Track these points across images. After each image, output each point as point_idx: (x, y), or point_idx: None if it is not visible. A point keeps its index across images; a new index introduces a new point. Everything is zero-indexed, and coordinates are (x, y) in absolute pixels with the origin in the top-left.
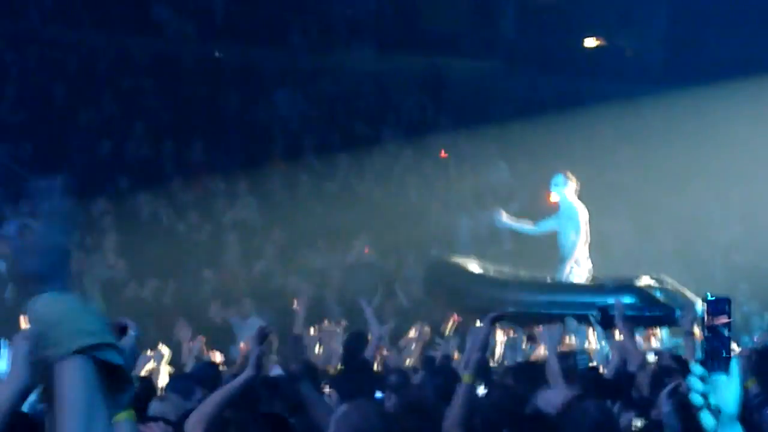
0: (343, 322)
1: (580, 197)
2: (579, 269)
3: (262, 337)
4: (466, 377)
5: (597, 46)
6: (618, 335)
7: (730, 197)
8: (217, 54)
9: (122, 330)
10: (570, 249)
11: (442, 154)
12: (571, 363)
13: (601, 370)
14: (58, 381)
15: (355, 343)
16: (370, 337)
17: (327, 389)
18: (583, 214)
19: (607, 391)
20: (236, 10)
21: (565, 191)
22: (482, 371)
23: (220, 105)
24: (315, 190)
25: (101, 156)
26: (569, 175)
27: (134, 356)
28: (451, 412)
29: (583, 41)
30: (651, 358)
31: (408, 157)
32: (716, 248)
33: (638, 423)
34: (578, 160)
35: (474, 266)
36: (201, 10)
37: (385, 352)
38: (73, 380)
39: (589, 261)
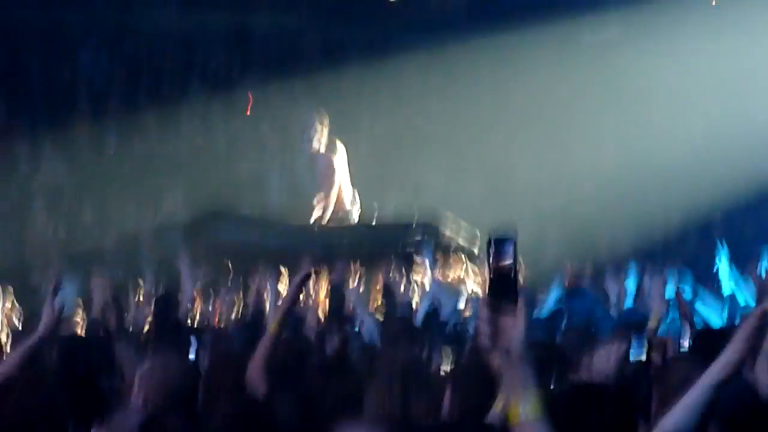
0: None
1: (390, 145)
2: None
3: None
4: (271, 326)
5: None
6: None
7: (536, 143)
8: (16, 15)
9: None
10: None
11: (248, 111)
12: None
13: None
14: None
15: (164, 304)
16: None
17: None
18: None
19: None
20: None
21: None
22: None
23: (22, 66)
24: (122, 150)
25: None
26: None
27: None
28: (254, 358)
29: None
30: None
31: (216, 114)
32: (525, 194)
33: None
34: (387, 110)
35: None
36: None
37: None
38: None
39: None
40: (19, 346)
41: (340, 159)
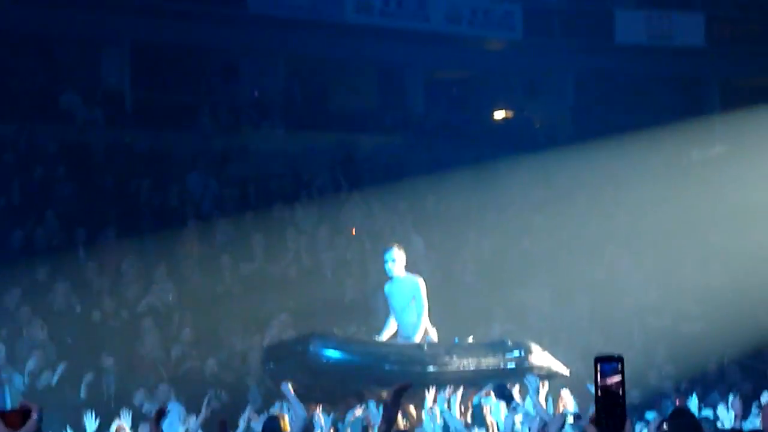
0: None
1: (496, 266)
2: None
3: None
4: None
5: (505, 118)
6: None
7: (644, 262)
8: (126, 140)
9: (25, 414)
10: (414, 326)
11: (353, 232)
12: None
13: None
14: None
15: (270, 428)
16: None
17: None
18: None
19: None
20: (145, 95)
21: (397, 266)
22: None
23: (132, 190)
24: (232, 272)
25: (13, 246)
26: (399, 247)
27: None
28: None
29: (491, 114)
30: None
31: (323, 235)
32: (633, 312)
33: None
34: (491, 230)
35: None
36: (109, 97)
37: None
38: None
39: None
40: None
41: (423, 285)
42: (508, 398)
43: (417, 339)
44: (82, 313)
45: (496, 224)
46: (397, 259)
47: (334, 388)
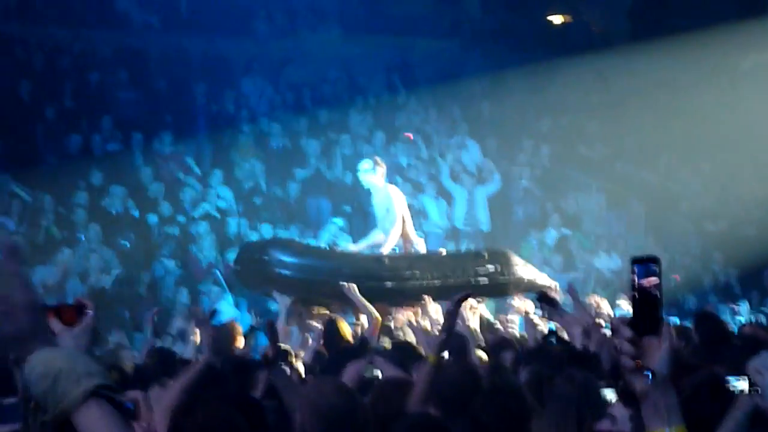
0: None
1: (552, 172)
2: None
3: (209, 318)
4: (430, 358)
5: (562, 22)
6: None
7: (700, 167)
8: (182, 44)
9: (80, 309)
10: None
11: (410, 137)
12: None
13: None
14: (84, 427)
15: (333, 330)
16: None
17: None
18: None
19: (582, 364)
20: (201, 0)
21: (375, 178)
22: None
23: (187, 96)
24: (286, 177)
25: (70, 151)
26: (377, 160)
27: (93, 335)
28: (416, 390)
29: (548, 17)
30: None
31: (378, 140)
32: (689, 218)
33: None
34: (547, 136)
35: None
36: (165, 1)
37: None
38: (101, 421)
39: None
40: (185, 371)
41: (401, 196)
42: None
43: (384, 251)
44: (139, 217)
45: (551, 129)
46: (368, 170)
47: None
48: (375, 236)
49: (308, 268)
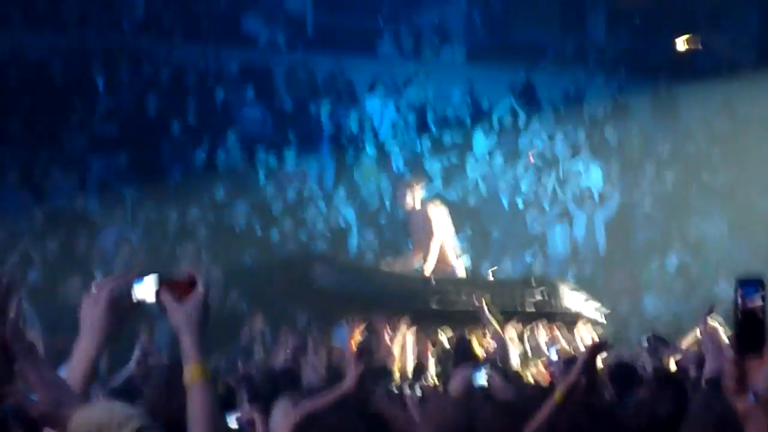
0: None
1: (674, 198)
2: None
3: (364, 352)
4: (558, 395)
5: (689, 49)
6: None
7: None
8: (307, 64)
9: (192, 283)
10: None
11: (530, 158)
12: None
13: None
14: None
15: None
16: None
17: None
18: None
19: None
20: (327, 20)
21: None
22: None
23: (312, 114)
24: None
25: (194, 165)
26: (414, 179)
27: (206, 312)
28: (534, 422)
29: (674, 43)
30: None
31: (499, 162)
32: None
33: None
34: (670, 161)
35: None
36: (291, 19)
37: None
38: None
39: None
40: (325, 394)
41: (439, 216)
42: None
43: (426, 271)
44: (261, 235)
45: (675, 155)
46: (407, 193)
47: (330, 313)
48: (412, 256)
49: (353, 285)
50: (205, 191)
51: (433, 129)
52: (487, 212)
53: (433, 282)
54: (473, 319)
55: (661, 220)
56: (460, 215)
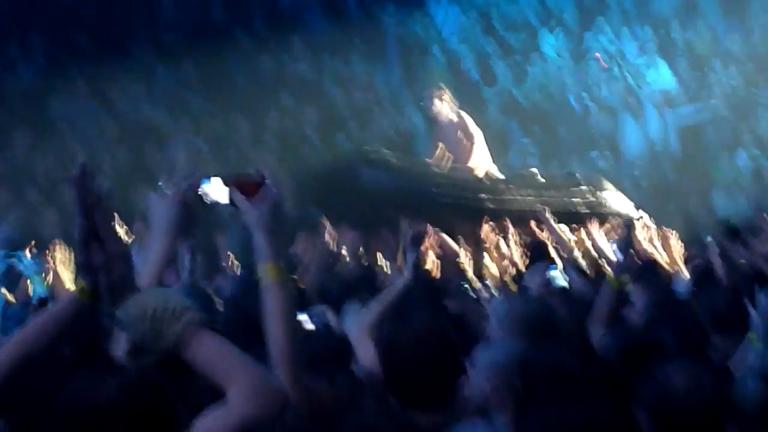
0: None
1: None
2: None
3: (417, 240)
4: (613, 281)
5: None
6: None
7: None
8: None
9: (261, 182)
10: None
11: (598, 58)
12: None
13: None
14: (199, 359)
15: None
16: None
17: None
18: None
19: None
20: None
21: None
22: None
23: (377, 20)
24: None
25: (263, 73)
26: (442, 88)
27: (277, 210)
28: (597, 310)
29: None
30: None
31: (567, 63)
32: None
33: None
34: (739, 57)
35: None
36: None
37: None
38: (214, 349)
39: None
40: (385, 293)
41: (468, 128)
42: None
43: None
44: (329, 140)
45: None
46: (435, 101)
47: (376, 215)
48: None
49: (403, 181)
50: (272, 99)
51: (500, 30)
52: (554, 113)
53: (486, 181)
54: (528, 219)
55: (731, 117)
56: (528, 115)
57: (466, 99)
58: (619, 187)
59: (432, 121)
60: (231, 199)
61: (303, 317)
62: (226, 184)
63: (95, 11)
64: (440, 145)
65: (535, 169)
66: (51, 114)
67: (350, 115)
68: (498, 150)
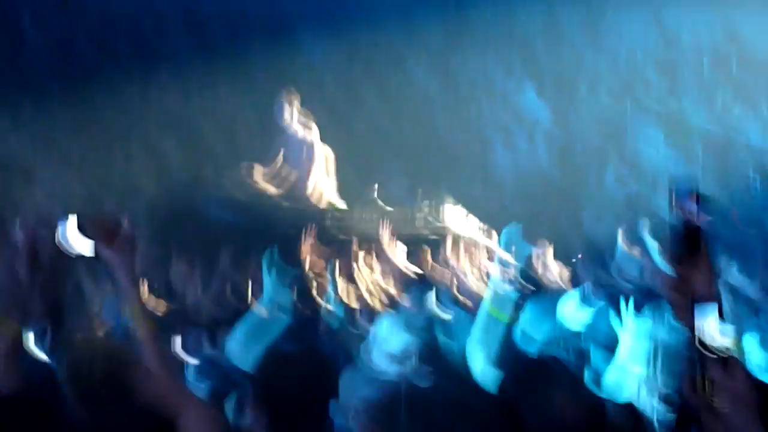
0: None
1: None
2: None
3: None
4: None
5: None
6: None
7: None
8: None
9: (118, 226)
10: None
11: None
12: None
13: None
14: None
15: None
16: None
17: None
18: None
19: None
20: None
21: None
22: None
23: (244, 49)
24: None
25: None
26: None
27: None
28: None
29: None
30: None
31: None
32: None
33: None
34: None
35: None
36: None
37: None
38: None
39: None
40: None
41: (314, 145)
42: None
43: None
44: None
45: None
46: (286, 104)
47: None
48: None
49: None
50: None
51: (368, 55)
52: (422, 138)
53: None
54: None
55: (599, 136)
56: (394, 141)
57: (334, 125)
58: (489, 210)
59: (279, 127)
60: (95, 252)
61: (177, 339)
62: (82, 228)
63: None
64: (281, 152)
65: (376, 192)
66: None
67: (216, 144)
68: (364, 174)
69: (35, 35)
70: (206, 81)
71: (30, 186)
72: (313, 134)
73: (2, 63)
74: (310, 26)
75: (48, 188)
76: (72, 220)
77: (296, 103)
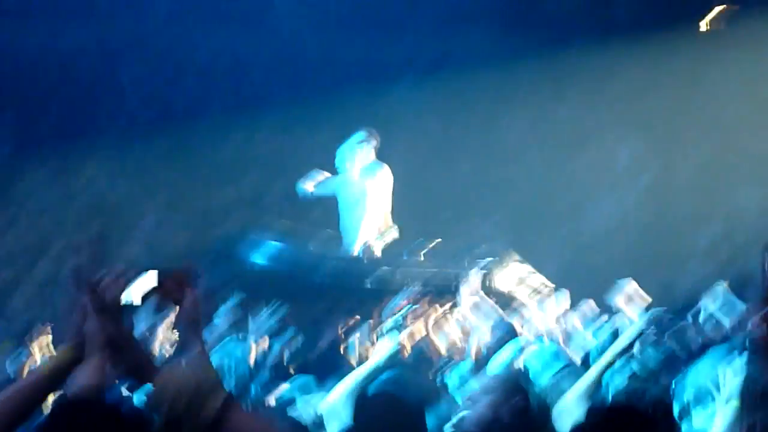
0: None
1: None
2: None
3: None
4: None
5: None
6: None
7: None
8: None
9: (185, 279)
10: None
11: None
12: None
13: None
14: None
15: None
16: None
17: None
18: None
19: None
20: None
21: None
22: None
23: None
24: None
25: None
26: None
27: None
28: None
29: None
30: None
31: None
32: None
33: None
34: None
35: None
36: None
37: None
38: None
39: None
40: None
41: (381, 182)
42: None
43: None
44: None
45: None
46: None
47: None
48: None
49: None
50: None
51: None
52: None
53: (366, 262)
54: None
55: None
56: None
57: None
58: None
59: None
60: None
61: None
62: (161, 283)
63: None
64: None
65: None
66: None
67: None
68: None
69: (132, 89)
70: (307, 129)
71: (131, 232)
72: (386, 174)
73: (105, 117)
74: (409, 73)
75: (149, 236)
76: (151, 275)
77: (374, 144)
